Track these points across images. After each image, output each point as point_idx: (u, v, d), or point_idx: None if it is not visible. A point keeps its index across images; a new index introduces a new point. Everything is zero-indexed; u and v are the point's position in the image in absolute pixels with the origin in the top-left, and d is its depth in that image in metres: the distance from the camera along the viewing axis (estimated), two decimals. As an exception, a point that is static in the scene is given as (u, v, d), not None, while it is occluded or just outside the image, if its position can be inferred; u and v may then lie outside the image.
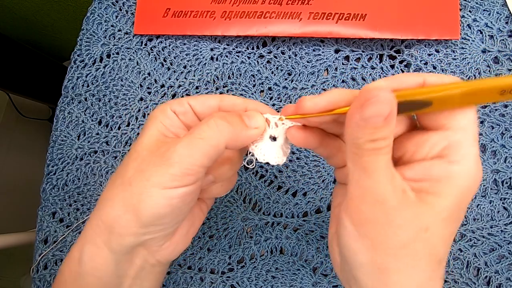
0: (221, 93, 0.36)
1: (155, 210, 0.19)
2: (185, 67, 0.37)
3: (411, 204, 0.16)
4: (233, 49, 0.36)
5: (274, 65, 0.36)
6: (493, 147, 0.31)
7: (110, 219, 0.20)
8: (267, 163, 0.33)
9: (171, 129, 0.22)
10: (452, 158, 0.16)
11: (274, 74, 0.35)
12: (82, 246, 0.21)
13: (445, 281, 0.30)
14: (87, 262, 0.20)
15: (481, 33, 0.33)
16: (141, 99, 0.37)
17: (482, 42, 0.33)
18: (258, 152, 0.21)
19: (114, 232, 0.20)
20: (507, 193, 0.31)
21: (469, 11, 0.33)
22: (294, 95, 0.35)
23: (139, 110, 0.37)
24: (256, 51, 0.36)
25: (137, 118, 0.37)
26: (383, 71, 0.34)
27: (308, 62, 0.35)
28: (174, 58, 0.37)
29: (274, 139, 0.22)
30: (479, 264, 0.30)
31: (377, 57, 0.34)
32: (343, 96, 0.18)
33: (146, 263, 0.22)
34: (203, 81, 0.36)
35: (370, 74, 0.34)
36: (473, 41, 0.33)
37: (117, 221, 0.20)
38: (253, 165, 0.23)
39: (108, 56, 0.39)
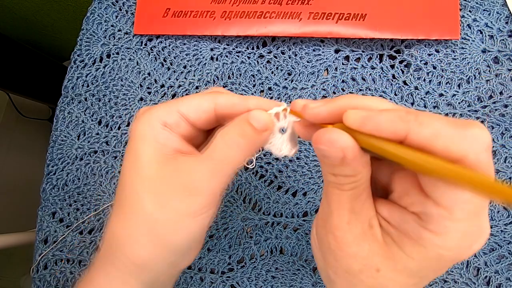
0: (221, 93, 0.36)
1: (191, 237, 0.19)
2: (185, 67, 0.37)
3: (371, 241, 0.16)
4: (233, 49, 0.36)
5: (274, 65, 0.36)
6: (493, 147, 0.31)
7: (141, 258, 0.19)
8: (268, 164, 0.33)
9: (169, 144, 0.19)
10: (429, 226, 0.14)
11: (274, 74, 0.35)
12: (110, 285, 0.20)
13: (445, 281, 0.30)
14: None
15: (481, 33, 0.33)
16: (141, 99, 0.37)
17: (482, 42, 0.33)
18: (274, 149, 0.21)
19: (147, 270, 0.19)
20: (507, 193, 0.31)
21: (469, 11, 0.33)
22: (294, 95, 0.35)
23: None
24: (256, 51, 0.36)
25: (137, 118, 0.37)
26: (383, 71, 0.34)
27: (308, 62, 0.35)
28: (174, 58, 0.37)
29: (282, 130, 0.22)
30: (479, 264, 0.30)
31: (377, 57, 0.34)
32: (348, 108, 0.16)
33: (170, 277, 0.22)
34: (203, 81, 0.36)
35: (370, 74, 0.34)
36: (473, 41, 0.33)
37: (151, 259, 0.19)
38: (253, 165, 0.23)
39: (108, 56, 0.39)
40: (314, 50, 0.35)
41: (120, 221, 0.19)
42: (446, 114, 0.32)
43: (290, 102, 0.36)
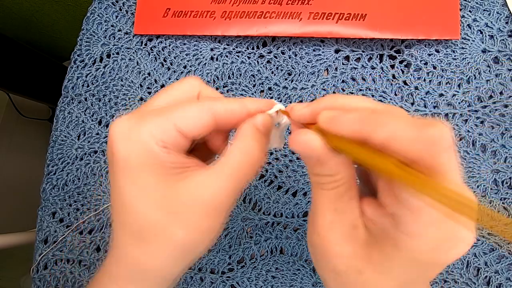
0: (221, 93, 0.36)
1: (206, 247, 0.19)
2: (185, 67, 0.37)
3: (354, 242, 0.16)
4: (233, 49, 0.36)
5: (274, 65, 0.35)
6: (493, 147, 0.31)
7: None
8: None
9: (174, 163, 0.20)
10: (401, 228, 0.14)
11: (274, 74, 0.35)
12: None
13: (445, 281, 0.30)
14: None
15: (481, 33, 0.33)
16: (141, 99, 0.37)
17: (482, 42, 0.33)
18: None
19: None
20: (507, 193, 0.31)
21: (469, 11, 0.33)
22: (294, 95, 0.35)
23: (139, 110, 0.37)
24: (256, 51, 0.36)
25: (137, 118, 0.37)
26: (383, 71, 0.34)
27: (308, 62, 0.35)
28: (174, 58, 0.37)
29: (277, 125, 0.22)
30: (479, 264, 0.30)
31: (377, 57, 0.34)
32: (328, 108, 0.16)
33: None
34: (203, 81, 0.36)
35: (370, 74, 0.34)
36: (473, 41, 0.33)
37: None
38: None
39: (108, 56, 0.39)
40: (314, 50, 0.35)
41: (142, 248, 0.17)
42: (446, 114, 0.32)
43: (289, 103, 0.36)
